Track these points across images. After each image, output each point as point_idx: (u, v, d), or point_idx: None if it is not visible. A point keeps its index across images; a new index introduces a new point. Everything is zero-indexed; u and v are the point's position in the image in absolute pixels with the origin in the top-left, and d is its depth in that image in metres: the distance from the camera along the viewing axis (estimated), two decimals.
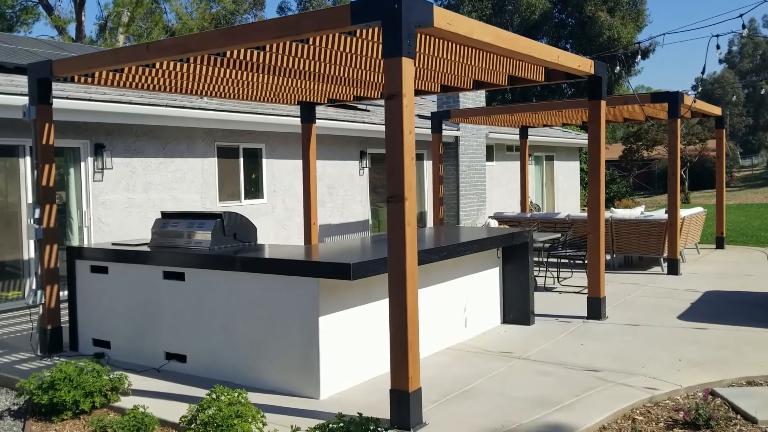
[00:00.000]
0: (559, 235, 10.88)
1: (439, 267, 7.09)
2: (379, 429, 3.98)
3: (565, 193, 25.58)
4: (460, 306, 7.47)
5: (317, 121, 13.19)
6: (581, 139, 25.85)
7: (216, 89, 8.80)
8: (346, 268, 5.31)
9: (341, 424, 3.93)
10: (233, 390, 4.56)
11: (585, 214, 12.59)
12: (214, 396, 4.42)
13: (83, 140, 10.29)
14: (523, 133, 17.01)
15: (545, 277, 11.01)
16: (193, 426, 4.28)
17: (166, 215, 7.19)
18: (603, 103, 8.37)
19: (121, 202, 10.72)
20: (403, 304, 4.86)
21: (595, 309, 8.33)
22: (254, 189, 13.12)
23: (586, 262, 10.96)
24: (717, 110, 14.43)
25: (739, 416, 5.29)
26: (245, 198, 12.86)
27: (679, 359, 6.62)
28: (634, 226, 12.06)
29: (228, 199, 12.50)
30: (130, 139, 10.84)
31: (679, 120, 11.54)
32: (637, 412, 5.38)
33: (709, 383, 5.94)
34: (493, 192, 21.11)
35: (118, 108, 10.06)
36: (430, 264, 6.88)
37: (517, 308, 8.19)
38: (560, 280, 11.06)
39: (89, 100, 9.75)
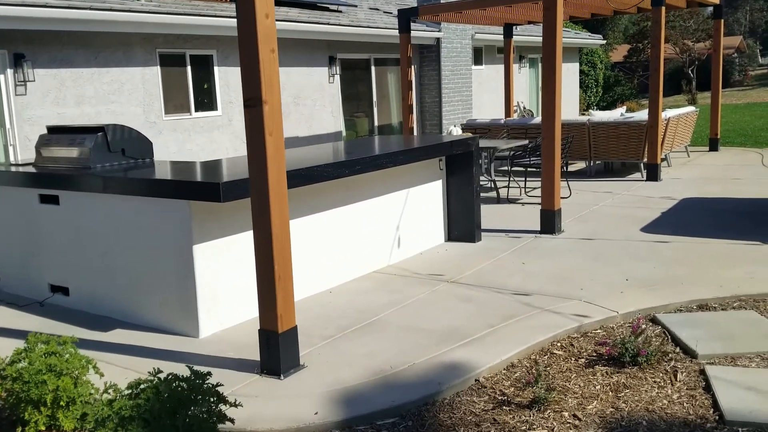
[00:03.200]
0: (526, 141, 9.96)
1: (360, 182, 6.27)
2: (208, 383, 3.28)
3: (562, 96, 24.30)
4: (392, 224, 6.69)
5: (277, 23, 12.10)
6: (580, 38, 24.38)
7: None
8: (215, 188, 4.51)
9: (154, 381, 3.23)
10: (59, 337, 3.87)
11: (567, 118, 11.60)
12: (28, 346, 3.74)
13: (0, 50, 9.36)
14: (507, 32, 15.75)
15: (508, 187, 10.15)
16: (4, 382, 3.62)
17: (51, 130, 6.37)
18: None
19: (50, 117, 9.87)
20: (268, 231, 4.08)
21: (549, 223, 7.52)
22: (207, 100, 12.18)
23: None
24: None
25: (678, 349, 4.55)
26: (196, 110, 11.94)
27: (626, 279, 5.85)
28: (612, 129, 11.08)
29: (176, 112, 11.59)
30: (55, 48, 9.88)
31: (663, 8, 10.35)
32: (558, 345, 4.65)
33: (652, 308, 5.19)
34: (482, 98, 19.97)
35: (31, 12, 9.03)
36: (347, 179, 6.07)
37: (461, 224, 7.40)
38: (527, 190, 10.22)
39: None
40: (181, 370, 4.35)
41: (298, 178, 5.08)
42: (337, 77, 14.70)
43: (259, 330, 4.24)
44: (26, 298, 6.10)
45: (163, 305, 5.09)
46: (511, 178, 10.48)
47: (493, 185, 9.95)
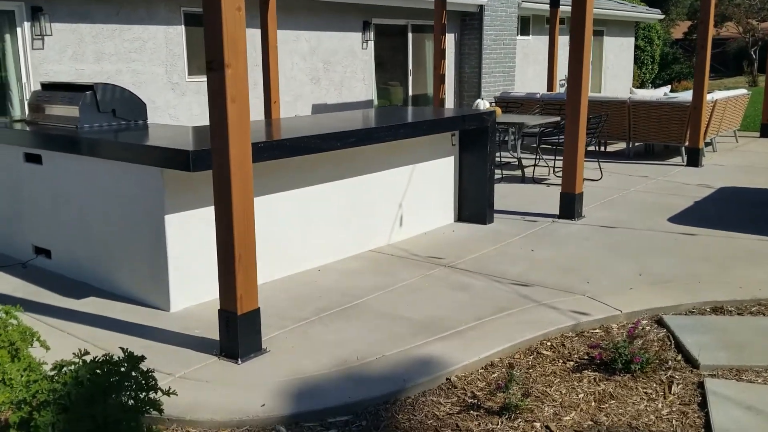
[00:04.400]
0: (558, 118, 9.42)
1: (358, 154, 5.91)
2: (140, 369, 3.01)
3: (614, 72, 23.31)
4: (394, 202, 6.32)
5: None
6: (638, 12, 23.26)
7: None
8: (185, 156, 4.21)
9: (80, 363, 2.98)
10: (3, 306, 3.66)
11: (606, 95, 10.97)
12: None
13: (17, 1, 9.21)
14: (554, 1, 15.01)
15: (535, 166, 9.63)
16: None
17: (45, 86, 6.18)
18: None
19: (67, 73, 9.73)
20: (228, 207, 3.77)
21: (568, 207, 7.04)
22: None
23: (593, 149, 9.38)
24: None
25: (680, 356, 4.11)
26: None
27: (639, 274, 5.39)
28: (654, 109, 10.42)
29: (200, 73, 11.34)
30: (74, 2, 9.70)
31: None
32: (548, 344, 4.26)
33: (660, 308, 4.74)
34: (528, 70, 19.23)
35: None
36: (343, 151, 5.71)
37: (472, 205, 6.98)
38: (555, 170, 9.69)
39: None
40: (141, 345, 4.12)
41: (282, 149, 4.75)
42: (371, 43, 14.25)
43: (218, 310, 3.96)
44: (12, 258, 5.96)
45: (137, 276, 4.86)
46: (540, 157, 9.95)
47: (518, 163, 9.46)
